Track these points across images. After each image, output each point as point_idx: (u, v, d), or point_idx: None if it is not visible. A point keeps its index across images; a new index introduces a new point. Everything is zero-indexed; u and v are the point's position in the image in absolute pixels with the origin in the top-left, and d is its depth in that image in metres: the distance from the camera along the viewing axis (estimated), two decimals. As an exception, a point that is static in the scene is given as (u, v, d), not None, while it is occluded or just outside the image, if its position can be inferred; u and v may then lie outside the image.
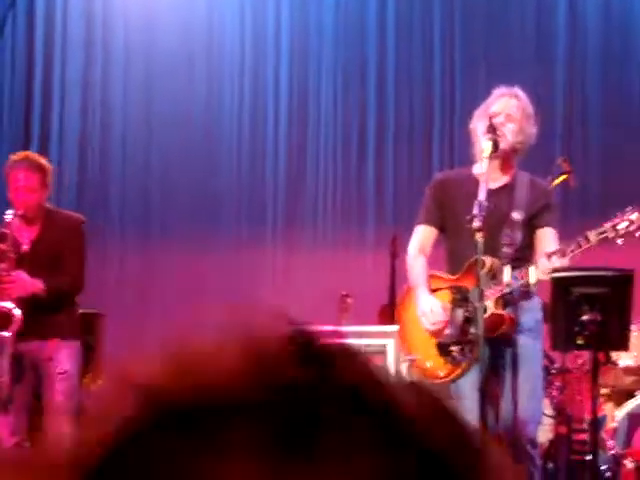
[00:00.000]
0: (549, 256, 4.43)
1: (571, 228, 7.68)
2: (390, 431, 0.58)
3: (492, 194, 4.50)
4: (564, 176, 5.73)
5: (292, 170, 8.89)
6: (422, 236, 4.75)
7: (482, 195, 4.39)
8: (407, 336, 4.88)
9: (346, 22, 8.85)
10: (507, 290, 4.53)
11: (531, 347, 4.60)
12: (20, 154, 5.37)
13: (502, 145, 4.55)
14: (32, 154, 5.43)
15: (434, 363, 4.70)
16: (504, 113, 4.57)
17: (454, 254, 4.70)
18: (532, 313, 4.62)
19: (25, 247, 5.25)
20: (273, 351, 0.59)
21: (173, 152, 8.86)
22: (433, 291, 4.68)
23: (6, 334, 5.09)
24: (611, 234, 4.37)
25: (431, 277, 4.71)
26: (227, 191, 8.88)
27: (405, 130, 8.77)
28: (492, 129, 4.55)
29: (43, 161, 5.33)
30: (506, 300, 4.55)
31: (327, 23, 8.88)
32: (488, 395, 4.51)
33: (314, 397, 0.58)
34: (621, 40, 8.51)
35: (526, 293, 4.58)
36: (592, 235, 4.38)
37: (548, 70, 8.54)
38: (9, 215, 5.16)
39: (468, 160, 4.86)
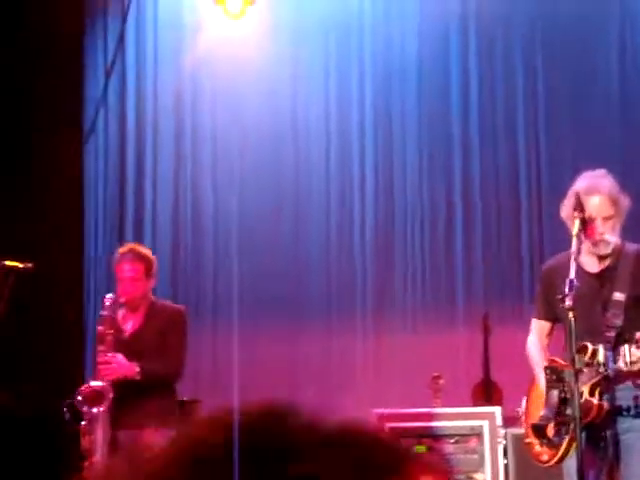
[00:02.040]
0: (637, 344, 4.38)
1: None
2: None
3: (593, 277, 4.52)
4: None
5: (380, 253, 8.91)
6: (537, 330, 4.88)
7: (572, 273, 4.39)
8: (528, 419, 4.88)
9: (430, 105, 8.92)
10: (601, 370, 4.47)
11: (633, 428, 4.51)
12: (125, 247, 5.63)
13: (609, 248, 4.57)
14: (137, 246, 5.68)
15: (542, 448, 4.67)
16: (599, 217, 4.56)
17: (566, 340, 4.70)
18: (631, 392, 4.55)
19: (126, 334, 5.42)
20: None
21: (262, 244, 8.93)
22: None
23: (98, 409, 5.20)
24: None
25: (550, 361, 4.72)
26: (316, 278, 8.92)
27: (493, 208, 8.75)
28: (579, 206, 4.55)
29: (147, 252, 5.56)
30: (601, 386, 4.49)
31: (411, 107, 8.95)
32: (590, 477, 4.45)
33: None
34: None
35: (623, 376, 4.50)
36: None
37: (636, 136, 8.47)
38: (108, 299, 5.36)
39: (555, 235, 4.89)
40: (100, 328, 5.39)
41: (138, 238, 8.99)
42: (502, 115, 8.82)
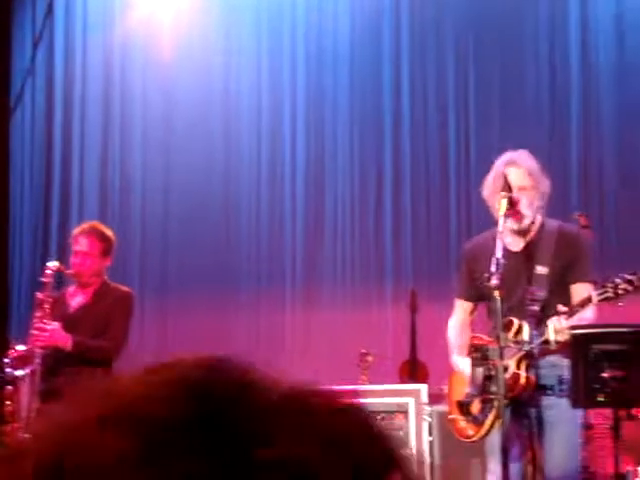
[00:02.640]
0: (559, 316, 4.45)
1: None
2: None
3: (517, 254, 4.57)
4: (581, 231, 5.73)
5: (310, 228, 8.94)
6: (459, 310, 4.92)
7: (499, 252, 4.43)
8: (451, 396, 4.95)
9: (362, 81, 8.93)
10: (526, 348, 4.54)
11: (557, 406, 4.59)
12: (88, 223, 5.66)
13: (526, 221, 4.62)
14: (99, 224, 5.66)
15: (467, 424, 4.73)
16: (515, 187, 4.61)
17: (490, 316, 4.75)
18: (556, 371, 4.62)
19: (71, 309, 5.41)
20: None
21: (191, 218, 8.92)
22: None
23: (22, 372, 5.17)
24: (612, 294, 4.38)
25: (474, 338, 4.77)
26: (245, 252, 8.92)
27: (422, 187, 8.82)
28: (507, 188, 4.60)
29: (108, 232, 5.52)
30: (527, 360, 4.55)
31: (343, 83, 8.96)
32: (512, 454, 4.51)
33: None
34: (636, 94, 8.54)
35: (548, 351, 4.57)
36: (595, 296, 4.40)
37: (563, 127, 8.58)
38: (52, 267, 5.33)
39: (483, 215, 4.92)
40: (39, 295, 5.36)
41: (64, 207, 8.92)
42: (433, 90, 8.86)
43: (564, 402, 4.57)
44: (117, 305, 5.47)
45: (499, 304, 4.37)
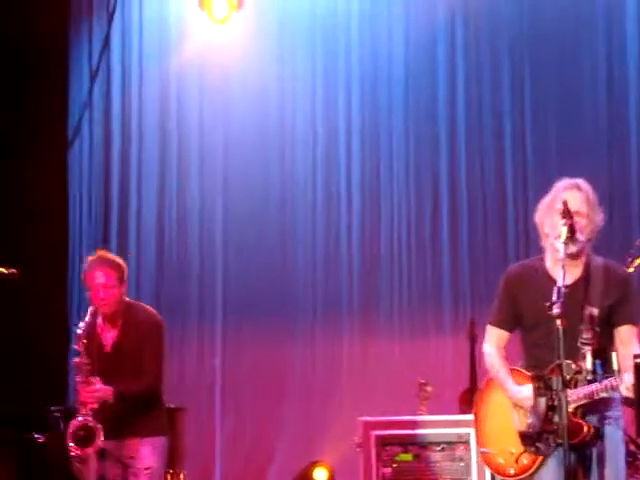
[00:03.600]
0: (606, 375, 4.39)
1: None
2: None
3: (567, 291, 4.35)
4: (643, 258, 5.66)
5: (366, 257, 8.90)
6: (495, 338, 4.77)
7: (560, 281, 4.36)
8: (483, 428, 4.83)
9: (417, 101, 8.90)
10: (589, 377, 4.45)
11: (608, 438, 4.52)
12: (94, 255, 5.58)
13: (576, 246, 4.50)
14: (106, 253, 5.61)
15: (505, 460, 4.63)
16: (572, 211, 4.54)
17: (530, 350, 4.67)
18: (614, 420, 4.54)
19: (107, 349, 5.40)
20: None
21: (248, 246, 8.92)
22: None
23: (89, 449, 5.21)
24: None
25: (512, 371, 4.69)
26: (302, 281, 8.90)
27: (479, 215, 8.74)
28: (567, 214, 4.52)
29: (117, 259, 5.52)
30: (584, 408, 4.47)
31: (398, 104, 8.93)
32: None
33: None
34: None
35: (612, 402, 4.50)
36: None
37: (621, 155, 8.47)
38: (82, 328, 5.33)
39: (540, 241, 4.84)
40: (77, 360, 5.36)
41: (123, 243, 8.97)
42: (489, 118, 8.81)
43: (614, 433, 4.50)
44: (148, 336, 5.42)
45: (561, 333, 4.28)
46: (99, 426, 5.20)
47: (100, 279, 5.38)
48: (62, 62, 8.86)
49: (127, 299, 5.54)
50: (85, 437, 5.21)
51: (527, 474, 4.56)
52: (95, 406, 5.24)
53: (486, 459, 4.75)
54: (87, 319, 5.36)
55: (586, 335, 4.48)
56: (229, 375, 8.74)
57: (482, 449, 4.78)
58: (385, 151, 8.97)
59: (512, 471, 4.60)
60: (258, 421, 8.54)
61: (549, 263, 4.63)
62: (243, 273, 8.91)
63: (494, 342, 4.77)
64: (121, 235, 9.06)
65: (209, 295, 8.99)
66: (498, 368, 4.74)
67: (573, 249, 4.51)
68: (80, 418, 5.24)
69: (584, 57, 8.67)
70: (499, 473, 4.66)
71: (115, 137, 9.14)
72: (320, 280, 8.91)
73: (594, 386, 4.43)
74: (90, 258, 5.54)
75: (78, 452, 5.20)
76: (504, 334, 4.76)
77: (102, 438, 5.19)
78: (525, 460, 4.57)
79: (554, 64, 8.69)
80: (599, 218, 4.62)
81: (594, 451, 4.52)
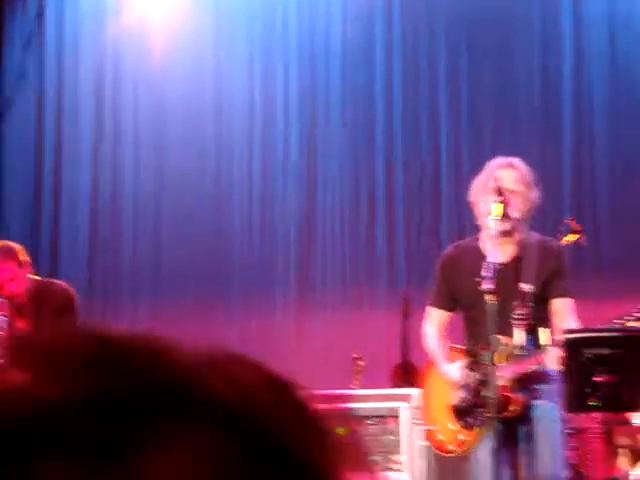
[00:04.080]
0: (536, 351, 4.48)
1: (586, 287, 7.71)
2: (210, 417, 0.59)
3: (500, 268, 4.51)
4: (573, 236, 5.73)
5: (302, 233, 8.92)
6: (435, 319, 4.88)
7: (491, 257, 4.41)
8: (427, 406, 4.95)
9: (354, 83, 8.92)
10: (518, 352, 4.52)
11: (543, 414, 4.59)
12: None
13: (509, 224, 4.57)
14: (2, 242, 5.45)
15: (446, 437, 4.71)
16: (507, 190, 4.57)
17: (469, 328, 4.75)
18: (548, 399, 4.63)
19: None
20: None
21: (183, 220, 8.89)
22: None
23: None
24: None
25: (452, 349, 4.75)
26: (237, 255, 8.91)
27: (414, 191, 8.81)
28: (499, 192, 4.57)
29: (11, 244, 5.38)
30: (518, 383, 4.54)
31: (335, 85, 8.95)
32: (504, 461, 4.51)
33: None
34: (628, 102, 8.55)
35: (542, 376, 4.57)
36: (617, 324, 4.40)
37: (555, 133, 8.58)
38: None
39: (475, 221, 4.88)
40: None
41: (55, 215, 8.88)
42: (425, 97, 8.86)
43: (550, 409, 4.58)
44: (62, 315, 5.31)
45: (494, 309, 4.34)
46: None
47: (4, 273, 5.25)
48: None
49: (33, 277, 5.41)
50: None
51: (464, 450, 4.63)
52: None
53: (429, 436, 4.89)
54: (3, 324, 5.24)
55: (519, 311, 4.57)
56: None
57: (425, 426, 4.92)
58: (322, 128, 8.99)
59: (451, 447, 4.72)
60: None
61: (484, 242, 4.69)
62: (178, 245, 8.88)
63: (434, 322, 4.87)
64: (54, 208, 8.98)
65: (143, 264, 8.96)
66: (434, 348, 4.84)
67: (506, 226, 4.56)
68: None
69: (519, 35, 8.74)
70: (441, 450, 4.81)
71: (48, 109, 9.04)
72: (255, 254, 8.92)
73: (524, 361, 4.51)
74: None
75: None
76: (443, 314, 4.85)
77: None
78: (463, 437, 4.65)
79: (491, 44, 8.76)
80: (535, 196, 4.67)
81: (526, 428, 4.60)
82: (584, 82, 8.62)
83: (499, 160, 4.73)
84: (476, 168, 8.22)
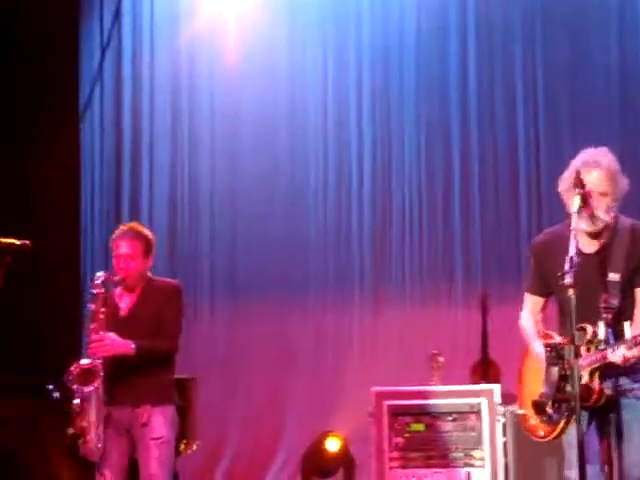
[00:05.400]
0: (618, 343, 4.38)
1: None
2: None
3: (588, 258, 4.46)
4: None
5: (378, 230, 8.90)
6: (530, 304, 4.83)
7: (572, 250, 4.35)
8: (522, 392, 4.88)
9: (429, 79, 8.87)
10: (601, 347, 4.47)
11: (633, 406, 4.54)
12: (125, 225, 5.63)
13: (600, 225, 4.49)
14: (136, 225, 5.65)
15: (537, 422, 4.69)
16: (595, 192, 4.47)
17: (560, 318, 4.68)
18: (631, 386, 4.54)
19: (122, 313, 5.40)
20: None
21: (258, 223, 8.91)
22: None
23: (89, 388, 5.18)
24: None
25: (546, 336, 4.71)
26: (313, 253, 8.92)
27: (491, 185, 8.72)
28: (579, 183, 4.51)
29: (146, 231, 5.53)
30: (601, 371, 4.48)
31: (409, 81, 8.91)
32: (590, 455, 4.47)
33: None
34: None
35: (622, 368, 4.46)
36: None
37: (636, 123, 8.43)
38: (99, 277, 5.33)
39: (553, 213, 4.85)
40: (92, 306, 5.31)
41: (134, 214, 8.99)
42: (500, 87, 8.77)
43: (632, 402, 4.50)
44: (167, 300, 5.41)
45: (574, 303, 4.28)
46: (99, 366, 5.17)
47: (123, 249, 5.39)
48: (73, 34, 8.86)
49: (149, 274, 5.54)
50: (85, 377, 5.18)
51: (552, 436, 4.61)
52: (106, 355, 5.21)
53: (521, 420, 4.85)
54: (101, 279, 5.35)
55: (608, 301, 4.48)
56: (239, 348, 8.77)
57: (519, 411, 4.88)
58: (396, 124, 8.95)
59: (542, 432, 4.66)
60: (270, 394, 8.57)
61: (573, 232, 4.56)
62: (254, 247, 8.92)
63: (528, 308, 4.82)
64: (133, 210, 9.08)
65: (220, 268, 9.02)
66: (528, 332, 4.79)
67: (597, 228, 4.49)
68: (81, 361, 5.21)
69: (595, 29, 8.61)
70: (531, 434, 4.75)
71: (126, 111, 9.15)
72: (331, 252, 8.92)
73: (605, 352, 4.44)
74: (120, 227, 5.57)
75: (78, 389, 5.19)
76: (537, 299, 4.79)
77: (102, 373, 5.15)
78: (549, 427, 4.64)
79: (567, 31, 8.63)
80: (622, 185, 4.56)
81: (613, 419, 4.55)
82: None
83: (586, 156, 4.61)
84: (553, 161, 8.18)
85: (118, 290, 5.49)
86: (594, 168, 4.51)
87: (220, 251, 9.07)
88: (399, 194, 8.89)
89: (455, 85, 8.84)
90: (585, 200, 4.47)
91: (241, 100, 9.09)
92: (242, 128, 9.09)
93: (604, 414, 4.57)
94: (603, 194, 4.49)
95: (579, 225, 4.46)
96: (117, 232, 5.51)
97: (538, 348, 4.70)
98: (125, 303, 5.45)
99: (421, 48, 8.90)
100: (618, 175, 4.55)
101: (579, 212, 4.43)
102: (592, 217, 4.46)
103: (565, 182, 4.59)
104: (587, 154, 4.59)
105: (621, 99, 8.53)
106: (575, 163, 4.57)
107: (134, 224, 5.65)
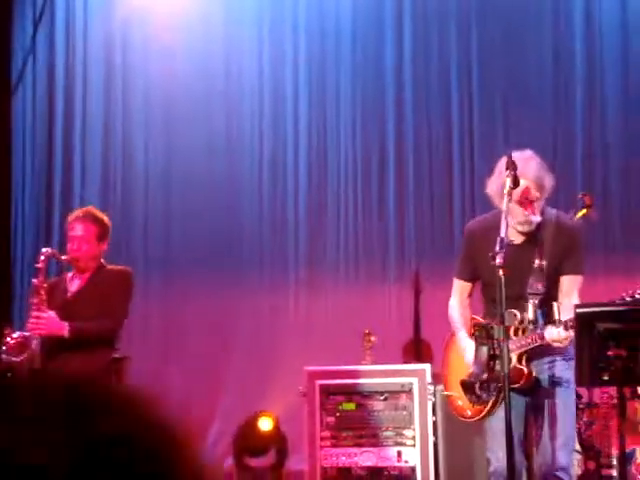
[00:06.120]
0: (553, 324, 4.52)
1: (595, 263, 7.69)
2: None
3: (516, 247, 4.63)
4: (585, 210, 5.74)
5: (312, 209, 8.90)
6: (458, 290, 5.01)
7: (503, 231, 4.42)
8: (448, 374, 5.06)
9: (364, 62, 8.88)
10: (530, 327, 4.56)
11: (562, 394, 4.65)
12: (83, 209, 5.76)
13: (533, 226, 4.68)
14: (94, 209, 5.77)
15: (464, 403, 4.80)
16: (525, 198, 4.64)
17: (488, 304, 4.85)
18: (561, 363, 4.72)
19: (70, 295, 5.51)
20: None
21: (194, 198, 8.87)
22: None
23: (18, 358, 5.27)
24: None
25: (473, 321, 4.85)
26: (249, 234, 8.89)
27: (425, 166, 8.77)
28: (512, 165, 4.57)
29: (103, 216, 5.62)
30: (529, 354, 4.60)
31: (345, 63, 8.91)
32: (517, 436, 4.56)
33: None
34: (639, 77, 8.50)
35: (553, 350, 4.63)
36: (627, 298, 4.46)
37: (568, 108, 8.53)
38: (45, 253, 5.49)
39: (486, 196, 4.91)
40: (34, 280, 5.45)
41: (66, 192, 8.90)
42: (436, 70, 8.81)
43: (559, 381, 4.68)
44: (115, 284, 5.55)
45: (503, 282, 4.35)
46: (31, 337, 5.30)
47: (77, 231, 5.52)
48: (5, 7, 8.72)
49: (102, 261, 5.61)
50: (19, 349, 5.31)
51: (480, 416, 4.72)
52: (40, 334, 5.29)
53: (449, 401, 5.03)
54: (46, 255, 5.46)
55: (534, 286, 4.65)
56: (174, 328, 8.73)
57: (446, 392, 5.05)
58: (332, 105, 8.95)
59: (469, 413, 4.83)
60: (203, 373, 8.55)
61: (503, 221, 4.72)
62: (191, 224, 8.87)
63: (457, 293, 5.00)
64: (65, 184, 8.98)
65: (155, 248, 8.96)
66: (455, 319, 4.96)
67: (530, 228, 4.68)
68: (13, 335, 5.33)
69: (531, 13, 8.68)
70: (459, 414, 4.94)
71: (59, 84, 9.03)
72: (266, 231, 8.91)
73: (534, 335, 4.55)
74: (77, 210, 5.72)
75: (9, 359, 5.27)
76: (466, 285, 4.97)
77: (35, 346, 5.27)
78: (478, 406, 4.75)
79: (502, 16, 8.69)
80: (549, 186, 4.76)
81: (539, 401, 4.67)
82: (596, 59, 8.55)
83: (517, 160, 4.69)
84: (487, 142, 8.26)
85: (70, 273, 5.64)
86: (522, 178, 4.60)
87: (154, 230, 9.00)
88: (334, 174, 8.90)
89: (391, 65, 8.85)
90: (516, 181, 4.55)
91: (176, 74, 9.00)
92: (177, 104, 9.01)
93: (531, 396, 4.68)
94: (533, 201, 4.64)
95: (513, 224, 4.61)
96: (73, 214, 5.64)
97: (463, 341, 4.81)
98: (74, 285, 5.58)
99: (357, 29, 8.89)
100: (545, 179, 4.72)
101: (509, 193, 4.52)
102: (525, 222, 4.66)
103: (492, 185, 4.73)
104: (516, 159, 4.68)
105: (554, 83, 8.61)
106: (502, 169, 4.66)
107: (91, 208, 5.81)
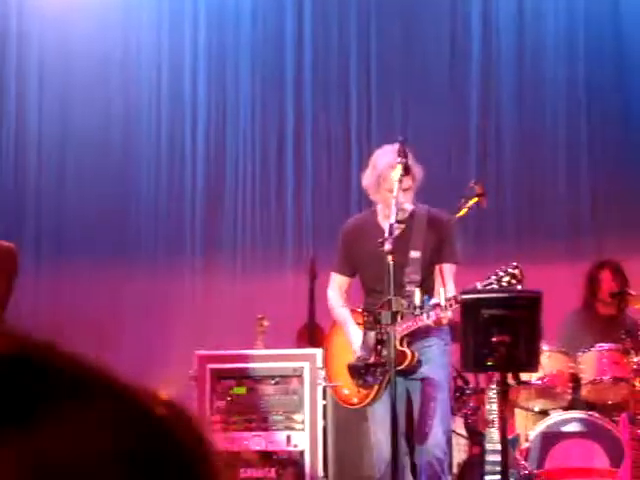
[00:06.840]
0: (433, 308, 4.71)
1: (488, 252, 7.85)
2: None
3: (395, 239, 4.74)
4: (476, 199, 5.82)
5: (210, 193, 8.86)
6: (337, 283, 5.25)
7: (393, 218, 4.50)
8: (331, 365, 5.24)
9: (264, 40, 8.86)
10: (417, 312, 4.65)
11: (437, 375, 4.76)
12: None
13: (407, 214, 4.90)
14: None
15: (350, 391, 4.90)
16: (398, 187, 4.80)
17: (368, 294, 5.06)
18: (437, 346, 4.90)
19: None
20: None
21: (88, 175, 8.76)
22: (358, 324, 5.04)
23: None
24: (496, 286, 4.61)
25: (352, 312, 5.01)
26: (144, 216, 8.81)
27: (324, 154, 8.81)
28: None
29: None
30: (409, 338, 4.77)
31: (244, 42, 8.88)
32: (400, 420, 4.64)
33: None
34: (534, 63, 8.66)
35: (430, 330, 4.82)
36: (479, 286, 4.67)
37: (462, 93, 8.66)
38: None
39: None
40: None
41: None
42: (335, 56, 8.84)
43: (436, 357, 4.87)
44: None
45: (392, 267, 4.44)
46: None
47: None
48: None
49: None
50: None
51: (366, 402, 4.84)
52: None
53: (335, 392, 5.19)
54: None
55: (411, 276, 4.86)
56: (65, 309, 8.60)
57: (330, 384, 5.22)
58: (231, 88, 8.91)
59: (355, 400, 4.99)
60: (94, 356, 8.44)
61: (380, 217, 5.01)
62: (82, 203, 8.74)
63: (336, 287, 5.21)
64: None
65: (46, 226, 8.81)
66: (338, 311, 5.13)
67: (404, 216, 4.88)
68: None
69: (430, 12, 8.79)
70: (346, 403, 5.09)
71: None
72: (163, 214, 8.84)
73: (416, 319, 4.68)
74: None
75: None
76: (344, 279, 5.20)
77: None
78: (364, 390, 4.85)
79: (400, 12, 8.78)
80: (419, 176, 4.99)
81: (422, 381, 4.79)
82: (492, 47, 8.69)
83: (386, 159, 4.89)
84: (385, 132, 8.32)
85: None
86: (392, 168, 4.79)
87: (47, 204, 8.84)
88: (232, 161, 8.87)
89: (291, 45, 8.85)
90: (407, 170, 4.66)
91: (72, 48, 8.85)
92: (72, 73, 8.86)
93: (412, 379, 4.80)
94: (406, 189, 4.85)
95: (386, 213, 4.81)
96: None
97: (350, 327, 4.92)
98: None
99: (258, 8, 8.88)
100: (415, 169, 4.82)
101: (400, 180, 4.63)
102: (400, 210, 4.82)
103: (368, 178, 4.89)
104: (387, 154, 4.87)
105: (451, 82, 8.72)
106: (377, 163, 4.85)
107: None
